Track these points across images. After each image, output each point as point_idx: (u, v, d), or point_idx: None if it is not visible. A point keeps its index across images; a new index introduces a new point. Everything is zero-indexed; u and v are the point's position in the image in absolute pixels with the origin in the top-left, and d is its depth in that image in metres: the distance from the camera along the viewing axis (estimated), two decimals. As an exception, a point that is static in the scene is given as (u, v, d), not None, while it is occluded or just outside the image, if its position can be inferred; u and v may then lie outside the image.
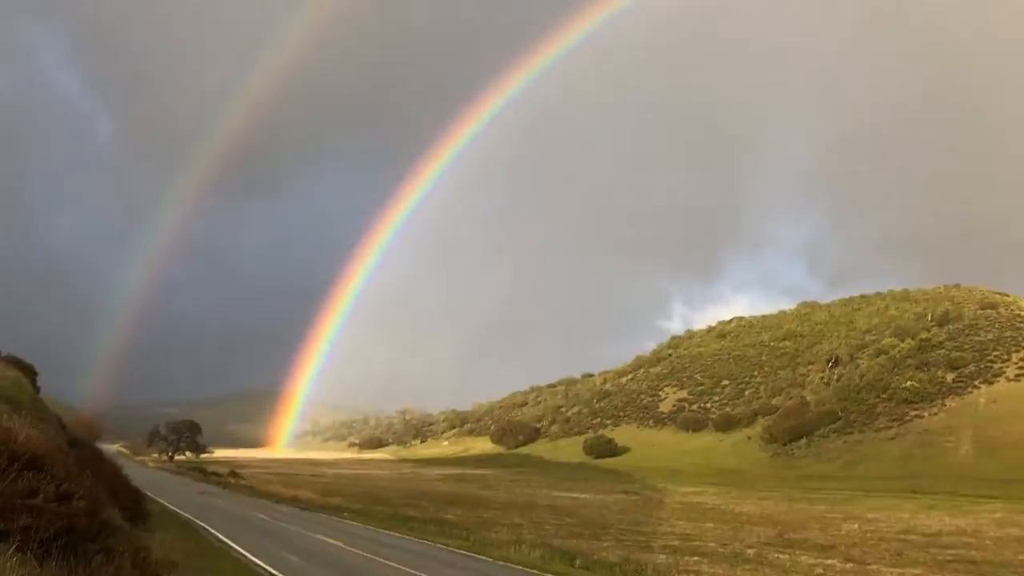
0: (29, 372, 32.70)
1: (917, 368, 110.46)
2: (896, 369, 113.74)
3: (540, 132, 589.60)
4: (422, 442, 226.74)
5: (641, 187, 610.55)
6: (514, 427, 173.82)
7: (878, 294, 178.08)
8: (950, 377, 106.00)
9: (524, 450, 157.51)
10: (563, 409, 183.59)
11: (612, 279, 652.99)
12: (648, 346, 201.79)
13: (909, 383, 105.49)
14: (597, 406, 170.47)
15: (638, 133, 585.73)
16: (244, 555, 24.20)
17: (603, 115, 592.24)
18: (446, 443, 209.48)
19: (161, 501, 41.46)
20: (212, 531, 30.58)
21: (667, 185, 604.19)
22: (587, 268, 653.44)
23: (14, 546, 6.35)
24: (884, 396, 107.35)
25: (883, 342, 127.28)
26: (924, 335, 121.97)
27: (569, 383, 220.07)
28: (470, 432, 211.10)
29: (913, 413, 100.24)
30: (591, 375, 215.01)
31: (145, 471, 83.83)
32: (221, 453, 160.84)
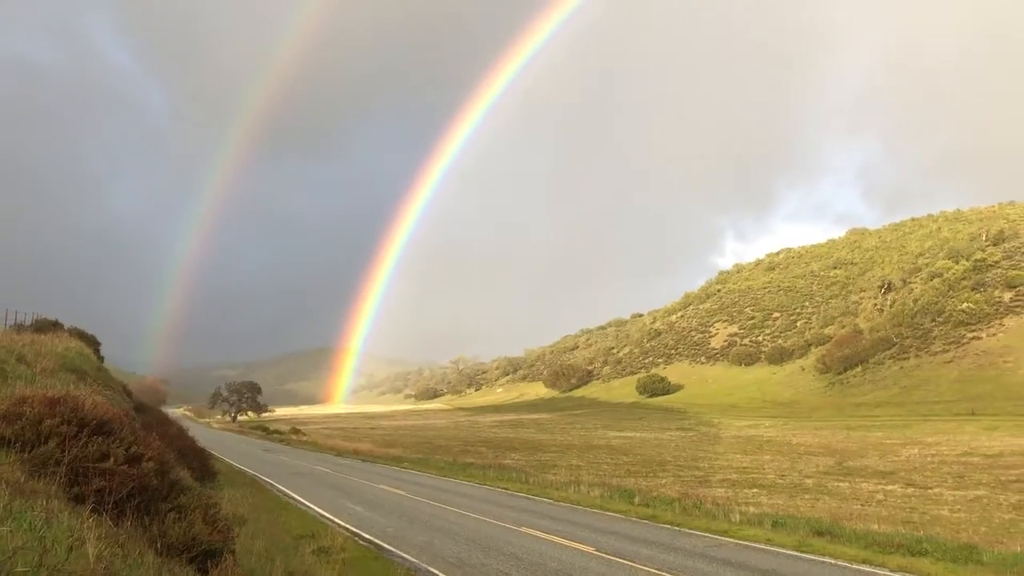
0: (92, 342, 33.55)
1: (973, 289, 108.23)
2: (951, 291, 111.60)
3: (585, 71, 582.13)
4: (476, 390, 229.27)
5: (692, 122, 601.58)
6: (567, 370, 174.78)
7: (929, 216, 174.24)
8: (1007, 296, 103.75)
9: (578, 393, 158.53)
10: (614, 350, 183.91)
11: (665, 217, 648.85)
12: (700, 283, 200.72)
13: (965, 304, 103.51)
14: (648, 345, 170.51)
15: (688, 67, 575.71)
16: (310, 507, 24.85)
17: (650, 49, 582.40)
18: (500, 390, 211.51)
19: (227, 460, 42.58)
20: (278, 486, 31.40)
21: (718, 118, 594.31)
22: (639, 208, 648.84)
23: (90, 508, 6.60)
24: (940, 319, 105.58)
25: (936, 265, 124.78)
26: (979, 255, 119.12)
27: (619, 324, 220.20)
28: (523, 378, 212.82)
29: (970, 335, 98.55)
30: (640, 315, 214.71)
31: (210, 432, 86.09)
32: (281, 411, 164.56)
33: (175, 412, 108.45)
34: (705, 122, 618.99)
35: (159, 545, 7.23)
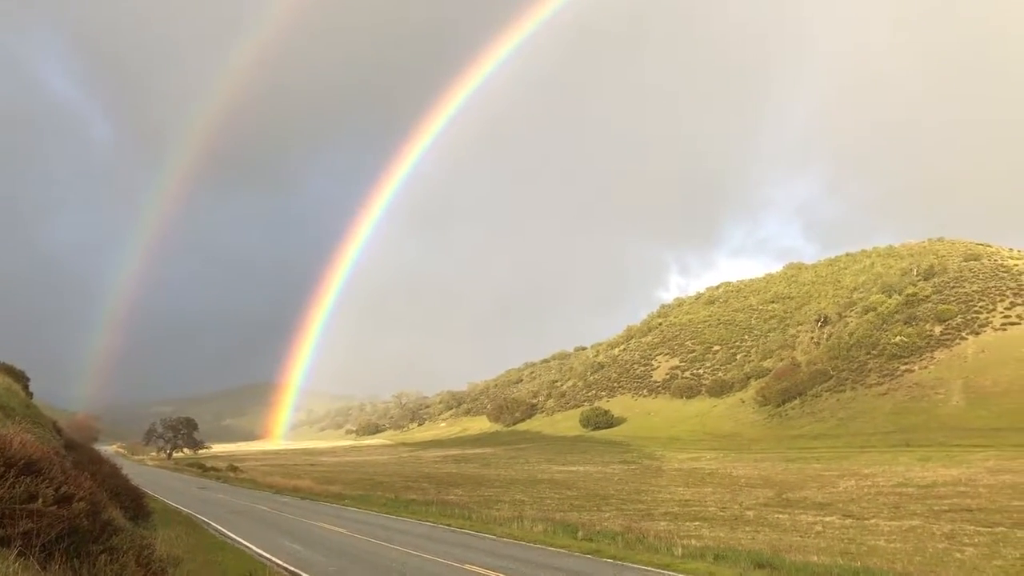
0: (20, 378, 32.56)
1: (905, 323, 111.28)
2: (884, 325, 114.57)
3: (532, 106, 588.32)
4: (419, 425, 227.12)
5: (639, 158, 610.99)
6: (510, 404, 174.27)
7: (863, 251, 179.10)
8: (938, 330, 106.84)
9: (522, 427, 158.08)
10: (558, 383, 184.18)
11: (610, 252, 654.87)
12: (643, 317, 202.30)
13: (898, 338, 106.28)
14: (591, 378, 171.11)
15: (635, 104, 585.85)
16: (248, 547, 24.26)
17: (598, 86, 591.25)
18: (443, 425, 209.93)
19: (162, 499, 41.43)
20: (215, 525, 30.61)
21: (664, 154, 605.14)
22: (585, 242, 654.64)
23: (16, 551, 6.36)
24: (874, 352, 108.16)
25: (870, 299, 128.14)
26: (910, 290, 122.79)
27: (563, 357, 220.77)
28: (467, 412, 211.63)
29: (903, 367, 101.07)
30: (584, 348, 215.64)
31: (144, 470, 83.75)
32: (219, 448, 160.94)
33: (108, 450, 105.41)
34: (652, 158, 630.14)
35: (89, 589, 6.99)
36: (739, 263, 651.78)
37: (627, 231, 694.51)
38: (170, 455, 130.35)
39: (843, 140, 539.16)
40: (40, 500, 7.46)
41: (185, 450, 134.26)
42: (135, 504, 24.13)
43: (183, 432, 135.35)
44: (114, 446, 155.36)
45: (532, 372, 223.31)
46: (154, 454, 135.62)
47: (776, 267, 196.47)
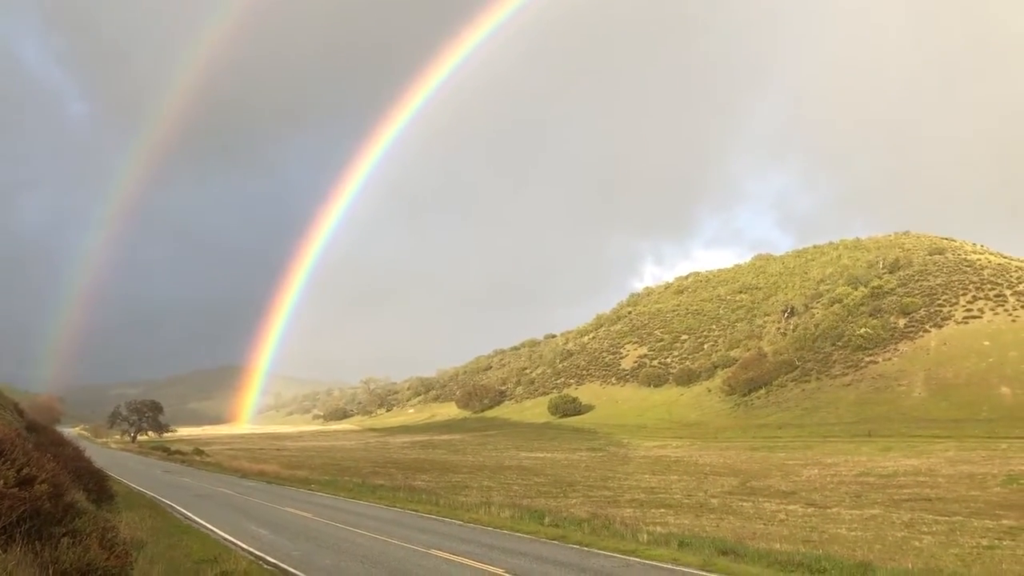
0: (-19, 359, 32.03)
1: (870, 315, 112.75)
2: (850, 317, 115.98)
3: (514, 94, 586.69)
4: (387, 411, 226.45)
5: (619, 149, 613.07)
6: (479, 391, 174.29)
7: (830, 244, 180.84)
8: (902, 322, 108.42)
9: (490, 413, 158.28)
10: (527, 371, 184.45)
11: (586, 243, 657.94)
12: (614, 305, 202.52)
13: (863, 330, 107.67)
14: (560, 366, 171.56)
15: (616, 96, 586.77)
16: (212, 530, 24.11)
17: (579, 76, 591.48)
18: (412, 410, 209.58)
19: (125, 482, 41.04)
20: (179, 508, 30.38)
21: (641, 145, 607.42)
22: (561, 232, 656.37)
23: (-24, 533, 6.28)
24: (839, 344, 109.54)
25: (837, 291, 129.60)
26: (876, 282, 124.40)
27: (532, 344, 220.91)
28: (435, 398, 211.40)
29: (867, 359, 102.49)
30: (553, 336, 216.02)
31: (108, 452, 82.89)
32: (184, 431, 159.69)
33: (71, 432, 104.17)
34: (631, 149, 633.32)
35: (52, 572, 6.91)
36: (714, 253, 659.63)
37: (604, 221, 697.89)
38: (134, 438, 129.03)
39: (818, 135, 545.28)
40: (1, 482, 7.36)
41: (150, 433, 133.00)
42: (98, 487, 23.92)
43: (148, 415, 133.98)
44: (77, 428, 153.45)
45: (501, 359, 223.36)
46: (118, 437, 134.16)
47: (748, 258, 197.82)
